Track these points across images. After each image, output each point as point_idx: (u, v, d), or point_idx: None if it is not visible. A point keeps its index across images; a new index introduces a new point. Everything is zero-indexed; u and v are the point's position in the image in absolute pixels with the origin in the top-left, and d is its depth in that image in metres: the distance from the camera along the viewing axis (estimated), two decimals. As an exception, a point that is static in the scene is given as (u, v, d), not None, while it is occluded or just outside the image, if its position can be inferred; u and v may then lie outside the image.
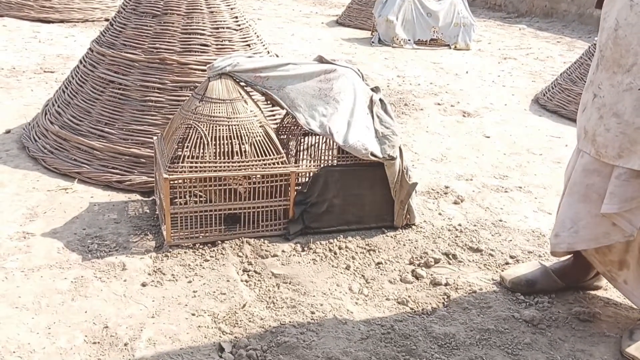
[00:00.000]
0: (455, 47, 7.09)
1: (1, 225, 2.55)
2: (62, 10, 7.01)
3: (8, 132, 3.57)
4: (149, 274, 2.30)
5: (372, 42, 7.06)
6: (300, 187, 2.68)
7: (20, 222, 2.59)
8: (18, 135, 3.52)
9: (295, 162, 2.89)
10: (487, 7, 11.20)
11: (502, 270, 2.49)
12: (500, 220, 2.96)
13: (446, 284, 2.38)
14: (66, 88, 3.45)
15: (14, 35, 6.12)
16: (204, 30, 3.25)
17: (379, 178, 2.69)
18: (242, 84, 2.69)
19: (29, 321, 1.97)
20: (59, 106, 3.37)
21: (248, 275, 2.35)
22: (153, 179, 2.92)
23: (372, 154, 2.63)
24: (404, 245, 2.65)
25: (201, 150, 2.52)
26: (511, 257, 2.62)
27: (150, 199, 2.89)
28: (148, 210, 2.79)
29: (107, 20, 7.17)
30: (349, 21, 8.23)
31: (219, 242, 2.53)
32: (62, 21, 6.89)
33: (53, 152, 3.19)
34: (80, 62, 3.49)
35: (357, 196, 2.69)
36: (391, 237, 2.70)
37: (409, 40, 6.99)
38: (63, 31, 6.50)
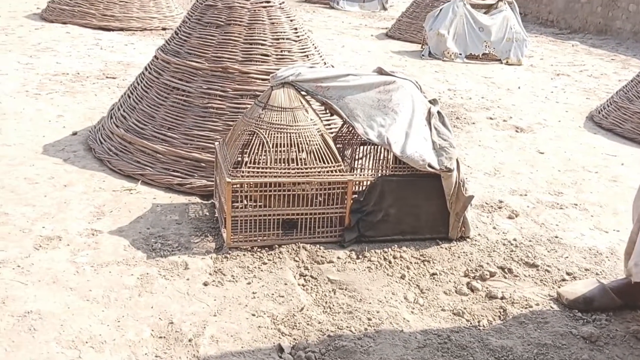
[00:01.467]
0: (507, 62, 7.05)
1: (72, 222, 2.67)
2: (122, 19, 7.27)
3: (75, 134, 3.74)
4: (210, 274, 2.37)
5: (422, 55, 7.08)
6: (356, 196, 2.72)
7: (88, 220, 2.71)
8: (84, 137, 3.68)
9: (352, 171, 2.94)
10: (539, 23, 11.08)
11: (559, 287, 2.48)
12: (556, 237, 2.94)
13: (502, 298, 2.38)
14: (132, 93, 3.59)
15: (77, 42, 6.38)
16: (265, 40, 3.34)
17: (435, 189, 2.72)
18: (303, 93, 2.76)
19: (100, 314, 2.07)
20: (124, 110, 3.51)
21: (305, 279, 2.40)
22: (213, 183, 3.01)
23: (429, 165, 2.65)
24: (459, 257, 2.66)
25: (262, 156, 2.59)
26: (568, 273, 2.60)
27: (210, 202, 2.98)
28: (207, 213, 2.88)
29: (164, 29, 7.42)
30: (398, 34, 8.27)
31: (276, 246, 2.59)
32: (121, 29, 7.15)
33: (118, 154, 3.32)
34: (146, 68, 3.63)
35: (412, 206, 2.72)
36: (446, 248, 2.71)
37: (460, 54, 6.98)
38: (123, 39, 6.74)
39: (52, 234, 2.55)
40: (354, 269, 2.49)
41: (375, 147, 3.01)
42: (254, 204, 2.71)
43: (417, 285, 2.43)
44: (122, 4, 7.34)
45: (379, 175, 2.74)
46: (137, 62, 5.71)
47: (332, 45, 7.41)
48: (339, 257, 2.56)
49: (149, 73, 3.55)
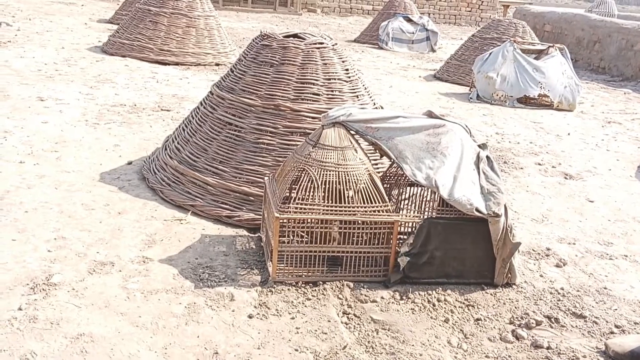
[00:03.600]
0: (558, 107, 6.98)
1: (124, 249, 2.77)
2: (178, 54, 7.56)
3: (130, 163, 3.88)
4: (255, 307, 2.41)
5: (470, 98, 7.09)
6: (402, 237, 2.73)
7: (140, 247, 2.80)
8: (138, 166, 3.82)
9: (397, 212, 2.95)
10: (590, 69, 10.97)
11: (607, 339, 2.42)
12: (605, 288, 2.87)
13: (548, 348, 2.33)
14: (186, 127, 3.72)
15: (135, 74, 6.65)
16: (317, 80, 3.43)
17: (482, 234, 2.71)
18: (353, 132, 2.82)
19: (148, 340, 2.13)
20: (178, 143, 3.64)
21: (348, 317, 2.41)
22: (260, 217, 3.07)
23: (477, 210, 2.65)
24: (504, 304, 2.63)
25: (311, 193, 2.65)
26: (616, 326, 2.53)
27: (256, 235, 3.04)
28: (254, 246, 2.94)
29: (217, 65, 7.67)
30: (447, 76, 8.32)
31: (320, 282, 2.62)
32: (177, 64, 7.43)
33: (170, 185, 3.44)
34: (201, 103, 3.77)
35: (458, 250, 2.71)
36: (491, 294, 2.69)
37: (511, 96, 6.96)
38: (178, 73, 7.00)
39: (105, 260, 2.64)
40: (398, 310, 2.49)
41: (422, 189, 3.03)
42: (300, 239, 2.75)
43: (461, 330, 2.41)
44: (179, 39, 7.63)
45: (426, 217, 2.75)
46: (191, 95, 5.91)
47: (379, 85, 7.50)
48: (382, 297, 2.57)
49: (204, 108, 3.68)
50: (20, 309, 2.21)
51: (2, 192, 3.20)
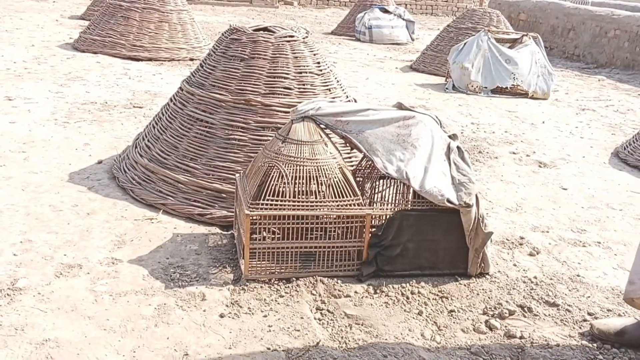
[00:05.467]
0: (533, 96, 7.02)
1: (93, 250, 2.71)
2: (151, 49, 7.45)
3: (100, 162, 3.82)
4: (227, 306, 2.38)
5: (446, 88, 7.10)
6: (374, 230, 2.72)
7: (109, 249, 2.75)
8: (109, 165, 3.75)
9: (370, 205, 2.94)
10: (564, 57, 11.05)
11: (580, 327, 2.43)
12: (578, 275, 2.89)
13: (521, 337, 2.34)
14: (156, 124, 3.66)
15: (107, 71, 6.55)
16: (287, 74, 3.39)
17: (454, 225, 2.70)
18: (323, 127, 2.79)
19: (116, 343, 2.08)
20: (148, 140, 3.58)
21: (321, 313, 2.39)
22: (233, 214, 3.03)
23: (448, 200, 2.64)
24: (478, 294, 2.63)
25: (281, 189, 2.61)
26: (589, 314, 2.55)
27: (229, 232, 3.00)
28: (227, 243, 2.90)
29: (192, 60, 7.58)
30: (423, 67, 8.32)
31: (294, 279, 2.59)
32: (150, 59, 7.32)
33: (141, 184, 3.38)
34: (171, 100, 3.71)
35: (431, 241, 2.70)
36: (464, 285, 2.69)
37: (485, 87, 6.98)
38: (151, 69, 6.90)
39: (73, 262, 2.59)
40: (371, 304, 2.48)
41: (395, 181, 3.01)
42: (272, 236, 2.72)
43: (435, 322, 2.40)
44: (152, 34, 7.53)
45: (398, 209, 2.74)
46: (164, 92, 5.83)
47: (356, 77, 7.48)
48: (356, 292, 2.55)
49: (174, 104, 3.62)
50: (-17, 315, 2.16)
51: (-34, 196, 3.12)
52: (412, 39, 11.24)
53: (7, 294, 2.29)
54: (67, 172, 3.60)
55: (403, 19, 11.14)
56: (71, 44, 7.85)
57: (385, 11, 11.18)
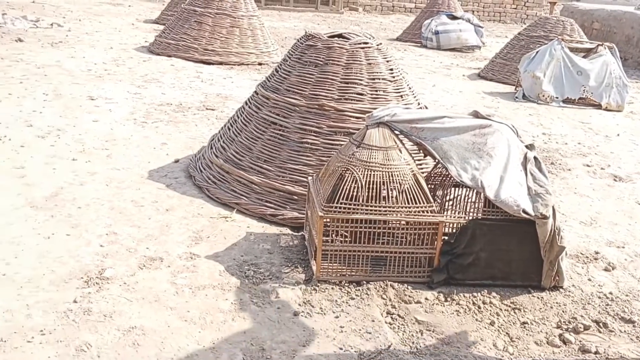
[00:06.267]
0: (607, 107, 6.80)
1: (172, 244, 2.83)
2: (222, 53, 7.66)
3: (177, 161, 3.97)
4: (299, 305, 2.44)
5: (516, 97, 6.98)
6: (447, 237, 2.72)
7: (187, 244, 2.86)
8: (185, 165, 3.90)
9: (442, 212, 2.94)
10: (640, 67, 10.64)
11: (659, 347, 2.36)
12: (657, 293, 2.80)
13: (596, 352, 2.29)
14: (231, 126, 3.78)
15: (181, 74, 6.78)
16: (361, 80, 3.44)
17: (529, 236, 2.67)
18: (397, 133, 2.82)
19: (196, 334, 2.18)
20: (224, 142, 3.70)
21: (392, 318, 2.42)
22: (304, 216, 3.10)
23: (524, 211, 2.62)
24: (551, 307, 2.59)
25: (355, 193, 2.66)
26: (669, 333, 2.47)
27: (300, 234, 3.07)
28: (298, 244, 2.97)
29: (260, 64, 7.75)
30: (491, 75, 8.19)
31: (364, 282, 2.63)
32: (221, 63, 7.53)
33: (216, 183, 3.50)
34: (246, 103, 3.82)
35: (504, 252, 2.68)
36: (537, 297, 2.65)
37: (556, 97, 6.82)
38: (222, 72, 7.10)
39: (154, 255, 2.71)
40: (442, 312, 2.48)
41: (467, 189, 3.01)
42: (342, 239, 2.77)
43: (507, 333, 2.39)
44: (223, 39, 7.74)
45: (471, 218, 2.73)
46: (235, 95, 6.00)
47: (422, 84, 7.45)
48: (426, 298, 2.56)
49: (249, 107, 3.73)
50: (75, 301, 2.29)
51: (56, 189, 3.31)
52: (483, 43, 11.05)
53: (96, 283, 2.43)
54: (147, 169, 3.77)
55: (472, 24, 10.99)
56: (147, 47, 8.16)
57: (453, 17, 11.08)
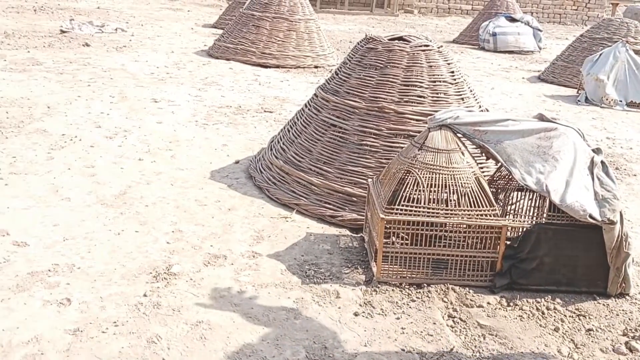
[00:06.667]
0: (674, 111, 6.54)
1: (235, 243, 2.91)
2: (278, 57, 7.77)
3: (237, 162, 4.06)
4: (360, 305, 2.46)
5: (578, 100, 6.79)
6: (510, 242, 2.69)
7: (249, 243, 2.93)
8: (245, 165, 3.98)
9: (504, 216, 2.90)
10: None
11: None
12: None
13: (667, 363, 2.22)
14: (291, 128, 3.84)
15: (239, 77, 6.92)
16: (421, 82, 3.44)
17: (595, 241, 2.61)
18: (460, 135, 2.80)
19: (260, 331, 2.23)
20: (283, 143, 3.76)
21: (453, 321, 2.41)
22: (363, 217, 3.12)
23: (591, 216, 2.56)
24: (617, 315, 2.52)
25: (416, 196, 2.66)
26: None
27: (359, 235, 3.09)
28: (357, 246, 2.99)
29: (316, 67, 7.82)
30: (552, 77, 8.00)
31: (424, 284, 2.63)
32: (277, 66, 7.64)
33: (276, 184, 3.56)
34: (305, 105, 3.88)
35: (569, 257, 2.63)
36: (603, 304, 2.59)
37: (620, 101, 6.61)
38: (279, 75, 7.20)
39: (218, 253, 2.79)
40: (505, 316, 2.46)
41: (530, 193, 2.96)
42: (402, 241, 2.77)
43: (572, 340, 2.34)
44: (280, 42, 7.85)
45: (536, 222, 2.69)
46: (292, 97, 6.07)
47: (481, 86, 7.35)
48: (488, 303, 2.54)
49: (309, 110, 3.78)
50: (145, 295, 2.39)
51: (125, 187, 3.45)
52: (540, 48, 10.82)
53: (164, 278, 2.52)
54: (209, 170, 3.87)
55: (530, 26, 10.76)
56: (206, 51, 8.36)
57: (512, 19, 10.88)
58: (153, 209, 3.19)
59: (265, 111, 5.50)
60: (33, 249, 2.68)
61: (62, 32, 8.77)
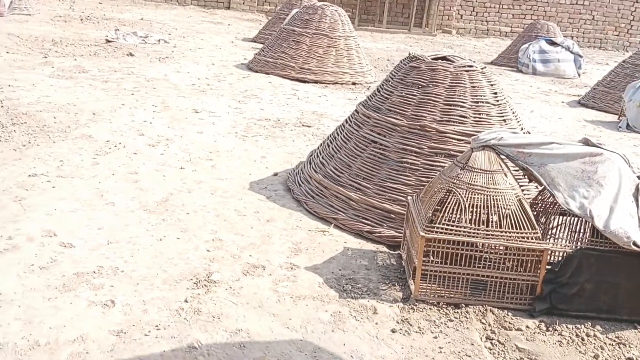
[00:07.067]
0: None
1: (273, 254, 2.94)
2: (317, 72, 7.85)
3: (276, 174, 4.11)
4: (398, 322, 2.46)
5: (620, 127, 6.69)
6: (550, 266, 2.66)
7: (287, 254, 2.96)
8: (283, 178, 4.03)
9: (545, 239, 2.88)
10: None
11: None
12: None
13: None
14: (331, 142, 3.88)
15: (278, 91, 7.00)
16: (464, 102, 3.44)
17: (638, 269, 2.57)
18: (503, 157, 2.80)
19: (298, 342, 2.25)
20: (323, 157, 3.80)
21: (491, 343, 2.39)
22: (401, 234, 3.12)
23: (635, 244, 2.52)
24: (661, 346, 2.47)
25: (457, 215, 2.66)
26: None
27: (397, 252, 3.09)
28: (394, 263, 3.00)
29: (354, 84, 7.87)
30: (593, 102, 7.90)
31: (462, 305, 2.61)
32: (316, 82, 7.71)
33: (314, 197, 3.59)
34: (346, 121, 3.91)
35: (611, 284, 2.59)
36: (646, 334, 2.54)
37: (663, 128, 6.49)
38: (317, 91, 7.27)
39: (257, 263, 2.82)
40: (544, 341, 2.43)
41: (572, 218, 2.93)
42: (440, 260, 2.76)
43: (613, 369, 2.30)
44: (319, 59, 7.93)
45: (578, 247, 2.66)
46: (329, 113, 6.12)
47: (519, 109, 7.28)
48: (527, 326, 2.51)
49: (349, 125, 3.81)
50: (186, 301, 2.43)
51: (167, 194, 3.52)
52: (579, 75, 10.69)
53: (204, 285, 2.56)
54: (248, 181, 3.92)
55: (571, 52, 10.64)
56: (245, 64, 8.49)
57: (553, 43, 10.78)
58: (194, 217, 3.25)
59: (303, 125, 5.56)
60: (79, 251, 2.75)
61: (108, 41, 9.02)
